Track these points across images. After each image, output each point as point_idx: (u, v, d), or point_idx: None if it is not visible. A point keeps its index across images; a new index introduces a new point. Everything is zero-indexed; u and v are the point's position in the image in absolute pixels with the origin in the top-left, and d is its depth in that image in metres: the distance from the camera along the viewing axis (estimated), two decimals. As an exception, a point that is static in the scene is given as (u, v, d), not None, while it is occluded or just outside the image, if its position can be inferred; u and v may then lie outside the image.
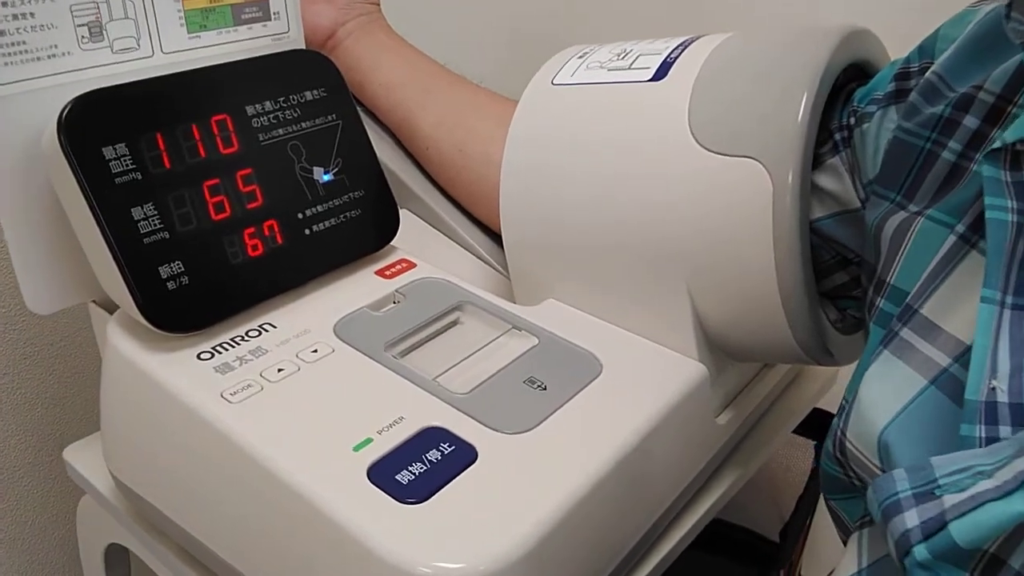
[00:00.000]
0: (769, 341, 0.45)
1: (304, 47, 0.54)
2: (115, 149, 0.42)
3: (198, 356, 0.43)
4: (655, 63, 0.47)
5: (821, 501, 0.94)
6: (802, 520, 0.92)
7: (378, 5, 0.62)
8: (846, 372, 0.55)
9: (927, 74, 0.37)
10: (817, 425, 0.77)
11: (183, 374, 0.42)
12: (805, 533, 0.96)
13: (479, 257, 0.57)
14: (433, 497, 0.37)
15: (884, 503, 0.27)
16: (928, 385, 0.31)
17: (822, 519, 1.00)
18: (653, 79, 0.46)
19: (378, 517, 0.36)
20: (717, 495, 0.52)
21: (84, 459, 0.54)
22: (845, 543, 0.42)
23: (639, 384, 0.45)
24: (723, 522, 0.84)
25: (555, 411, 0.42)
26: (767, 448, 0.57)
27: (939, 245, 0.33)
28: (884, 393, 0.32)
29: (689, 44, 0.47)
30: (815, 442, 0.90)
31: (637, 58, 0.48)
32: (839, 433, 0.34)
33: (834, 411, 0.82)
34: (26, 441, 0.75)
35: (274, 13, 0.52)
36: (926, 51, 0.39)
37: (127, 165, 0.42)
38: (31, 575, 0.79)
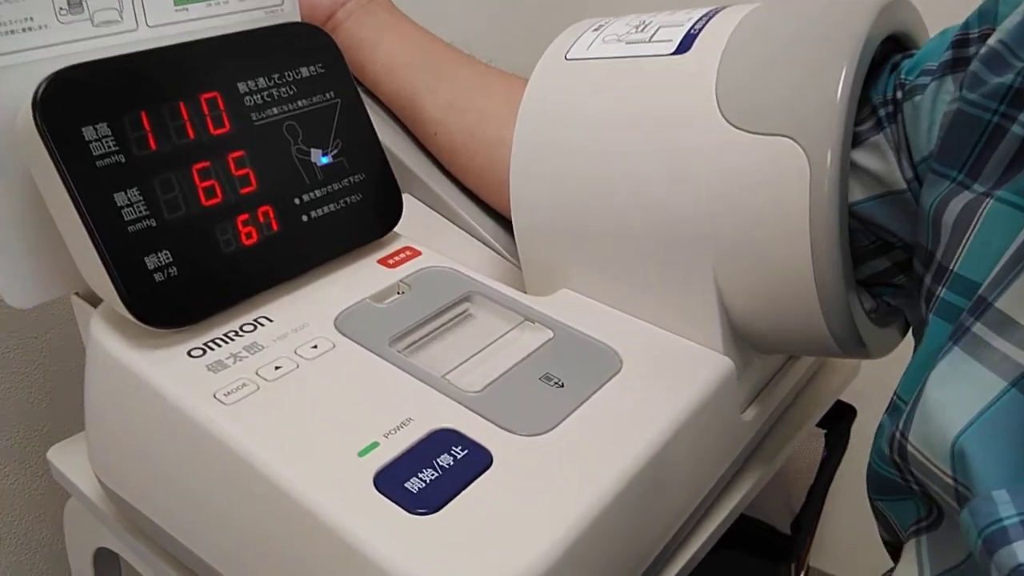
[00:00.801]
0: (800, 332, 0.42)
1: (299, 20, 0.50)
2: (96, 129, 0.39)
3: (188, 353, 0.40)
4: (678, 35, 0.43)
5: (832, 491, 0.91)
6: (814, 512, 0.90)
7: None
8: (869, 363, 0.53)
9: (990, 41, 0.34)
10: (829, 414, 0.74)
11: (172, 373, 0.39)
12: (815, 525, 0.94)
13: (487, 244, 0.54)
14: (445, 507, 0.34)
15: (986, 531, 0.24)
16: (1008, 387, 0.28)
17: (833, 511, 0.97)
18: (676, 52, 0.43)
19: (386, 529, 0.33)
20: (742, 493, 0.49)
21: (70, 460, 0.51)
22: (889, 546, 0.40)
23: (662, 380, 0.42)
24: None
25: (574, 411, 0.39)
26: (791, 443, 0.54)
27: (1015, 230, 0.30)
28: (956, 395, 0.29)
29: (713, 15, 0.44)
30: (825, 431, 0.88)
31: (658, 30, 0.45)
32: (898, 435, 0.31)
33: (852, 402, 0.79)
34: (12, 438, 0.72)
35: (267, -16, 0.48)
36: (987, 16, 0.36)
37: (109, 147, 0.39)
38: (18, 577, 0.77)
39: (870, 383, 0.68)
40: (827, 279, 0.39)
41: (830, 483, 0.90)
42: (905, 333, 0.47)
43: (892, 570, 0.36)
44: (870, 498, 0.37)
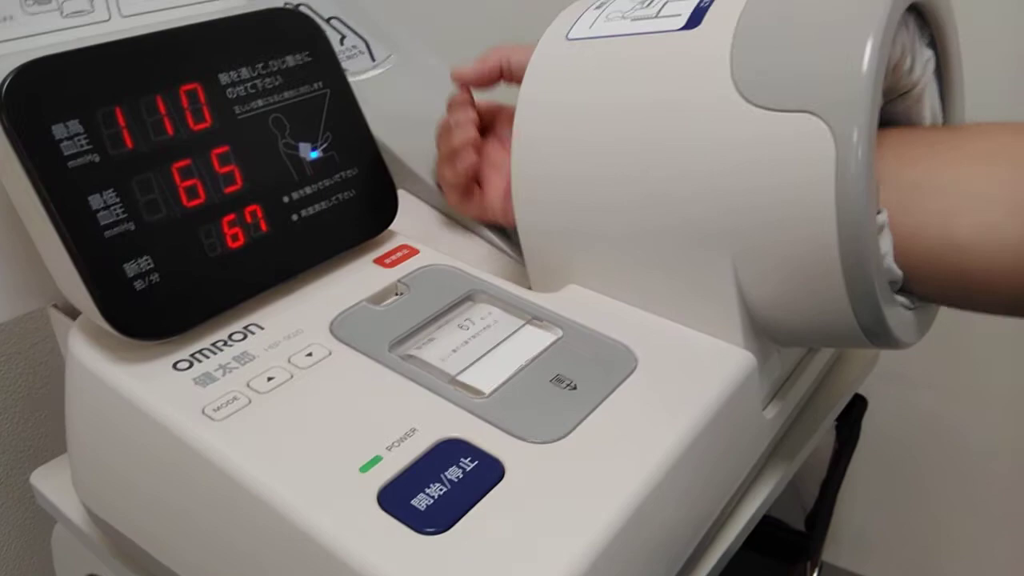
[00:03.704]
0: (826, 324, 0.40)
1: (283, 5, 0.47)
2: (67, 127, 0.36)
3: (174, 366, 0.37)
4: (687, 9, 0.41)
5: (844, 485, 0.88)
6: (828, 507, 0.88)
7: None
8: (887, 353, 0.50)
9: None
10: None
11: (157, 388, 0.36)
12: (828, 520, 0.91)
13: (487, 240, 0.52)
14: (456, 525, 0.31)
15: None
16: None
17: (845, 504, 0.94)
18: (686, 27, 0.40)
19: (393, 552, 0.30)
20: (763, 495, 0.47)
21: (54, 483, 0.49)
22: None
23: (681, 378, 0.39)
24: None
25: (589, 414, 0.36)
26: (812, 440, 0.51)
27: None
28: None
29: (723, -12, 0.41)
30: (837, 423, 0.85)
31: (664, 5, 0.42)
32: None
33: (861, 392, 0.76)
34: (-4, 458, 0.69)
35: (247, -30, 0.46)
36: None
37: (82, 145, 0.36)
38: (8, 604, 0.74)
39: (878, 372, 0.65)
40: (856, 266, 0.36)
41: (843, 476, 0.87)
42: (933, 320, 0.44)
43: None
44: None
